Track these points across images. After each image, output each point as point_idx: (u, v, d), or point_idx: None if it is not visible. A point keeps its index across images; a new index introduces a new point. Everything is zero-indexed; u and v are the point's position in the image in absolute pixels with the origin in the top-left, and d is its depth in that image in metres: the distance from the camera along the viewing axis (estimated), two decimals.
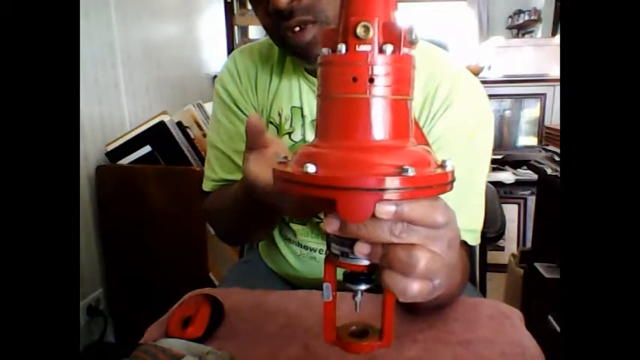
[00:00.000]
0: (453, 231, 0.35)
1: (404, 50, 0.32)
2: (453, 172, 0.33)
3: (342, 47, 0.32)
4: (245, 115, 0.77)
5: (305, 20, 0.60)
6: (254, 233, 0.76)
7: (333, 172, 0.31)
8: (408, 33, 0.32)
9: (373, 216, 0.30)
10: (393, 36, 0.32)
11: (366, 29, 0.32)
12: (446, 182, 0.32)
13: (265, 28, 0.66)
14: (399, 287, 0.32)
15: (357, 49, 0.32)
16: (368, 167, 0.31)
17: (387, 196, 0.30)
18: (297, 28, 0.60)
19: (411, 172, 0.30)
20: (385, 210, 0.30)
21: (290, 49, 0.65)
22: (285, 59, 0.75)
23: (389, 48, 0.32)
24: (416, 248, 0.31)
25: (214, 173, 0.79)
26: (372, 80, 0.32)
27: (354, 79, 0.32)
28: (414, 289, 0.32)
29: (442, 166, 0.34)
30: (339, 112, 0.33)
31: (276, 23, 0.61)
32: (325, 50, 0.34)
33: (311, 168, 0.31)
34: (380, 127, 0.32)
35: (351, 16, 0.33)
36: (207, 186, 0.81)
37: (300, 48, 0.62)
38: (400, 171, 0.30)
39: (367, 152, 0.32)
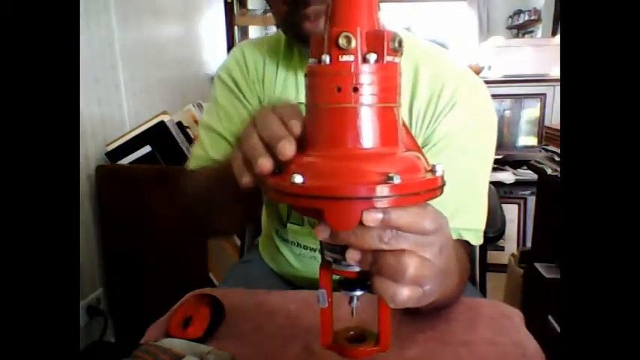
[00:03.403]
0: (444, 237, 0.35)
1: (388, 58, 0.33)
2: (442, 176, 0.33)
3: (326, 58, 0.33)
4: (250, 103, 0.76)
5: (320, 10, 0.60)
6: (233, 215, 0.72)
7: (319, 181, 0.31)
8: (391, 41, 0.32)
9: (362, 224, 0.30)
10: (376, 45, 0.32)
11: (348, 39, 0.32)
12: (434, 188, 0.33)
13: (279, 16, 0.66)
14: (388, 293, 0.32)
15: (340, 59, 0.32)
16: (353, 176, 0.31)
17: (373, 203, 0.30)
18: (312, 17, 0.61)
19: (397, 180, 0.30)
20: (372, 218, 0.30)
21: (302, 38, 0.65)
22: (293, 55, 0.75)
23: (372, 57, 0.32)
24: (405, 254, 0.31)
25: (205, 152, 0.76)
26: (356, 89, 0.32)
27: (339, 89, 0.32)
28: (404, 294, 0.32)
29: (432, 171, 0.34)
30: (325, 122, 0.33)
31: (293, 11, 0.62)
32: (312, 60, 0.34)
33: (298, 179, 0.31)
34: (366, 136, 0.32)
35: (333, 26, 0.33)
36: (193, 164, 0.78)
37: (313, 34, 0.62)
38: (386, 179, 0.30)
39: (353, 161, 0.32)
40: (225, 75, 0.78)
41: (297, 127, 0.36)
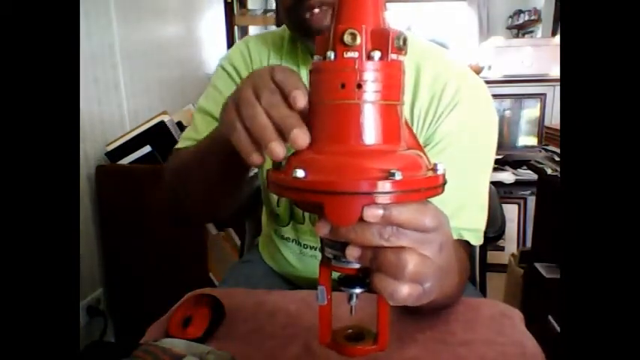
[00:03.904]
0: (445, 234, 0.35)
1: (392, 56, 0.33)
2: (444, 175, 0.34)
3: (331, 54, 0.33)
4: None
5: (324, 1, 0.61)
6: (215, 193, 0.66)
7: (320, 176, 0.31)
8: (396, 39, 0.33)
9: (363, 220, 0.31)
10: (380, 42, 0.32)
11: (353, 36, 0.32)
12: (435, 186, 0.33)
13: (283, 9, 0.66)
14: (388, 290, 0.32)
15: (345, 55, 0.33)
16: (354, 171, 0.31)
17: (374, 199, 0.30)
18: (317, 10, 0.61)
19: (398, 176, 0.30)
20: (372, 213, 0.30)
21: (306, 30, 0.65)
22: (297, 52, 0.75)
23: (377, 54, 0.32)
24: (405, 251, 0.31)
25: (197, 134, 0.75)
26: (359, 86, 0.32)
27: (343, 86, 0.32)
28: (404, 292, 0.32)
29: (433, 169, 0.34)
30: (328, 118, 0.34)
31: (297, 3, 0.62)
32: (316, 57, 0.34)
33: (300, 173, 0.31)
34: (368, 132, 0.33)
35: (339, 23, 0.33)
36: (182, 144, 0.76)
37: (317, 30, 0.63)
38: (387, 175, 0.30)
39: (354, 157, 0.32)
40: (228, 64, 0.79)
41: (300, 100, 0.35)
